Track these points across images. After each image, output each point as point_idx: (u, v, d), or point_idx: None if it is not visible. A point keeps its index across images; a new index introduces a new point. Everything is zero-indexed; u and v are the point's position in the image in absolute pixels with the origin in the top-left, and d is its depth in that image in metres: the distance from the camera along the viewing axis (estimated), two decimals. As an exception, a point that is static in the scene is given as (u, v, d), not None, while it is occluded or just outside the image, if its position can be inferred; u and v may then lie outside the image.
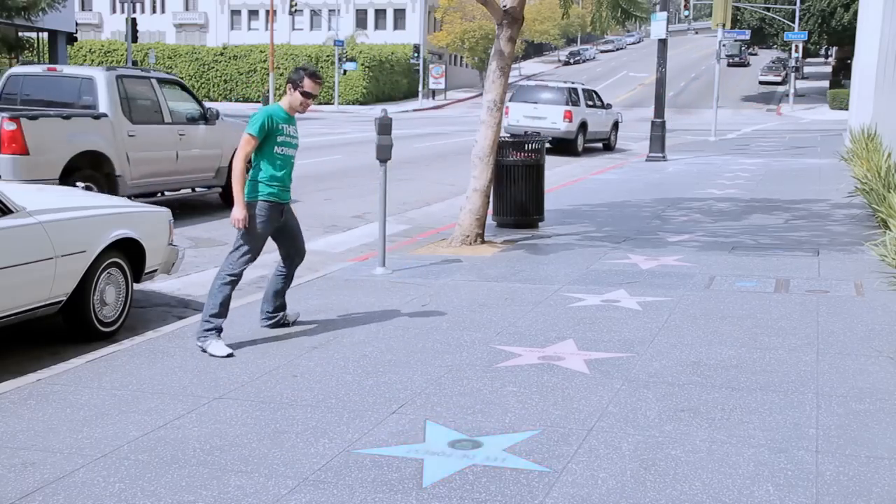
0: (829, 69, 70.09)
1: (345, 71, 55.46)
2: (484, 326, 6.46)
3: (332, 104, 55.06)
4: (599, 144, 27.03)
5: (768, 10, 57.22)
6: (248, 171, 5.95)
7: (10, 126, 9.69)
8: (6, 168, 9.69)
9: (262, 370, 5.43)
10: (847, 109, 31.72)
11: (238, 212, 5.79)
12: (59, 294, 6.05)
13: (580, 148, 25.09)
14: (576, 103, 24.96)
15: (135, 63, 39.35)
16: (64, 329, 6.41)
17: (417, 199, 14.49)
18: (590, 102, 25.92)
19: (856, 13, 31.67)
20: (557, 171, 18.85)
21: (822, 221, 11.76)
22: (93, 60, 66.50)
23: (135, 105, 11.44)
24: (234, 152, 6.29)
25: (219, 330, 5.82)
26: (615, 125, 27.67)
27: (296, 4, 55.37)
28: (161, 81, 12.08)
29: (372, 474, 3.93)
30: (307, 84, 5.90)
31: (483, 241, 9.76)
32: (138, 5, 48.52)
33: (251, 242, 5.89)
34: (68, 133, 10.42)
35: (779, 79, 68.88)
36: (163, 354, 5.75)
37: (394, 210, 11.89)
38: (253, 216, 5.84)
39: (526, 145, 10.80)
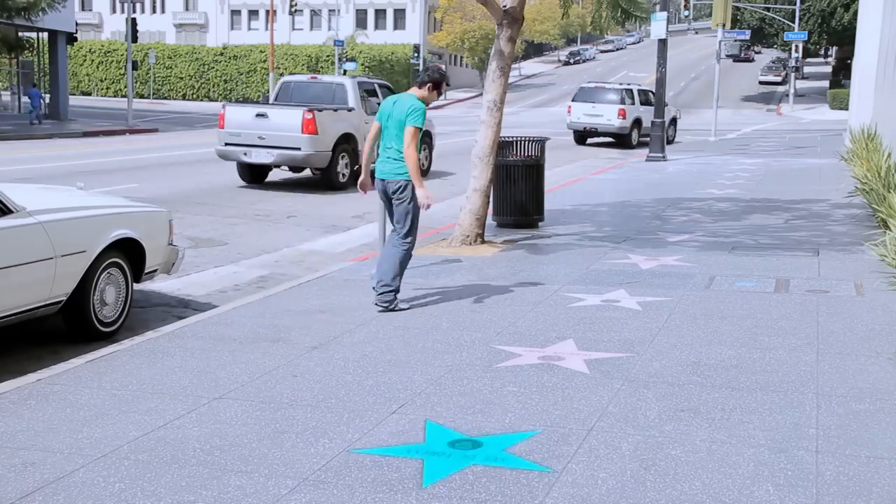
0: (829, 69, 70.12)
1: (345, 71, 55.43)
2: (484, 326, 6.46)
3: (333, 104, 55.11)
4: None
5: (768, 10, 57.23)
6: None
7: (308, 115, 15.05)
8: (305, 142, 15.03)
9: (262, 370, 5.43)
10: (847, 109, 31.74)
11: (425, 193, 6.69)
12: (59, 294, 6.05)
13: (635, 142, 27.64)
14: (630, 102, 27.53)
15: (134, 63, 39.36)
16: (64, 329, 6.42)
17: (417, 199, 14.49)
18: (644, 101, 28.07)
19: (856, 13, 31.67)
20: (557, 171, 18.85)
21: (822, 221, 11.77)
22: (93, 60, 66.51)
23: (366, 102, 16.55)
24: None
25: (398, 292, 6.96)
26: (672, 121, 29.58)
27: (296, 4, 55.36)
28: (379, 85, 17.55)
29: (372, 474, 3.93)
30: (443, 87, 7.14)
31: (483, 241, 9.76)
32: (138, 5, 48.47)
33: (418, 216, 6.93)
34: (336, 121, 15.71)
35: (779, 79, 68.92)
36: (163, 354, 5.75)
37: (394, 210, 11.87)
38: (413, 194, 6.80)
39: (525, 145, 10.82)
